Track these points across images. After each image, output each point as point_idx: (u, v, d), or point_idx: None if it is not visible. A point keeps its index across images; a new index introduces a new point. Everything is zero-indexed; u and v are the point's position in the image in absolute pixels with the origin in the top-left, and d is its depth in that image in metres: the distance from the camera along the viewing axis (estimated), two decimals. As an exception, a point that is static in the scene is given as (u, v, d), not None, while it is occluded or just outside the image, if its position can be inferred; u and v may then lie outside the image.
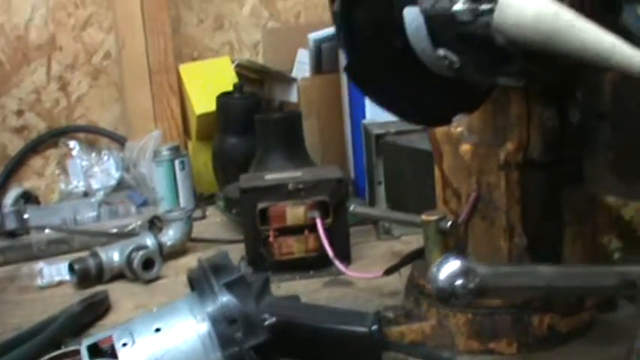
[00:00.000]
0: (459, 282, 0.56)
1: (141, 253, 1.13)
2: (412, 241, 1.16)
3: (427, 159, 0.94)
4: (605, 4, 0.55)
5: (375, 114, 1.32)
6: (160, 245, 1.19)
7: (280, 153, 1.33)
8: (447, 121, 0.75)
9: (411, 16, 0.61)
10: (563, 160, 0.79)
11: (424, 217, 0.85)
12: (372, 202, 1.26)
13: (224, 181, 1.45)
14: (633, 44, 0.60)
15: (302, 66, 1.61)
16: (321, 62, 1.54)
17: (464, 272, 0.56)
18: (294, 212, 1.09)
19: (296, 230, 1.09)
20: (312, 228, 1.09)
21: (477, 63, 0.60)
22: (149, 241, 1.18)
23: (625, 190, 0.69)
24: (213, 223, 1.42)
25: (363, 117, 1.35)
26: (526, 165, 0.80)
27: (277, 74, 1.58)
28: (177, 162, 1.44)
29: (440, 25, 0.60)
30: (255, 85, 1.66)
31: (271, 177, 1.15)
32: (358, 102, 1.39)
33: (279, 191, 1.10)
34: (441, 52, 0.61)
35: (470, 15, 0.57)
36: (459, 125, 0.86)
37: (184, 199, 1.45)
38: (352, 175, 1.46)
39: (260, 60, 1.74)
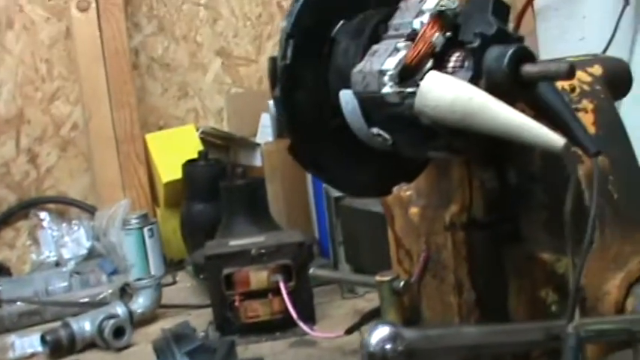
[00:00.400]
0: (388, 346, 0.61)
1: (112, 322, 1.17)
2: (375, 298, 1.21)
3: (381, 221, 1.00)
4: (521, 83, 0.61)
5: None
6: (131, 313, 1.22)
7: (245, 218, 1.38)
8: (387, 192, 0.81)
9: (346, 98, 0.67)
10: (504, 220, 0.84)
11: (378, 278, 0.90)
12: (336, 262, 1.31)
13: (192, 247, 1.49)
14: (551, 116, 0.67)
15: (266, 129, 1.67)
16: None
17: (392, 337, 0.61)
18: (258, 277, 1.14)
19: (261, 294, 1.14)
20: (277, 291, 1.13)
21: (407, 140, 0.66)
22: (119, 309, 1.21)
23: (557, 246, 0.75)
24: (184, 288, 1.46)
25: (325, 178, 1.41)
26: (470, 225, 0.85)
27: (241, 140, 1.64)
28: (146, 230, 1.50)
29: (372, 106, 0.66)
30: (221, 151, 1.72)
31: (235, 243, 1.20)
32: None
33: (243, 257, 1.15)
34: (375, 130, 0.67)
35: (397, 97, 0.63)
36: (408, 189, 0.91)
37: (154, 266, 1.50)
38: (317, 236, 1.50)
39: (225, 125, 1.81)
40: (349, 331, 1.00)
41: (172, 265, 1.57)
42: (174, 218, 1.59)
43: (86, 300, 1.34)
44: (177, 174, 1.57)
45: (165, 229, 1.58)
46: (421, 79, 0.62)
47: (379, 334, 0.62)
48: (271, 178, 1.54)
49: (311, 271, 1.05)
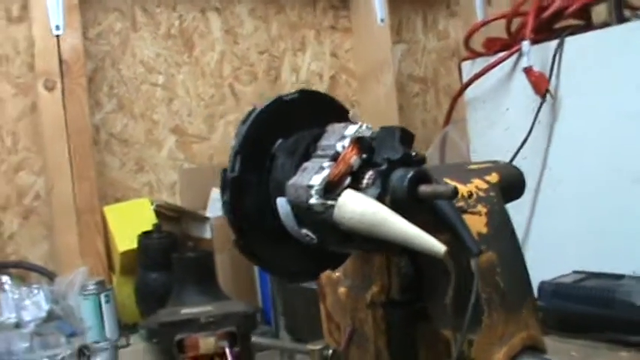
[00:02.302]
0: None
1: None
2: (310, 362, 1.39)
3: (316, 296, 1.18)
4: (418, 200, 0.81)
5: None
6: (87, 374, 1.38)
7: (195, 288, 1.54)
8: (316, 277, 0.99)
9: (282, 204, 0.85)
10: (416, 300, 1.03)
11: (310, 346, 1.08)
12: (277, 330, 1.48)
13: (146, 312, 1.66)
14: (446, 223, 0.86)
15: (216, 203, 1.84)
16: (232, 203, 1.78)
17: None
18: (206, 342, 1.30)
19: (208, 357, 1.30)
20: (222, 355, 1.29)
21: (329, 240, 0.84)
22: (76, 370, 1.37)
23: (456, 325, 0.93)
24: (137, 350, 1.60)
25: (269, 253, 1.59)
26: (388, 304, 1.03)
27: (193, 214, 1.81)
28: (102, 295, 1.65)
29: (301, 212, 0.83)
30: (173, 222, 1.88)
31: (186, 311, 1.36)
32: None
33: (193, 324, 1.31)
34: (304, 231, 0.85)
35: (321, 207, 0.81)
36: (337, 272, 1.10)
37: (109, 329, 1.64)
38: (261, 304, 1.68)
39: (177, 198, 1.98)
40: (285, 393, 1.18)
41: (126, 329, 1.72)
42: (129, 285, 1.75)
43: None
44: (132, 244, 1.73)
45: (120, 295, 1.74)
46: (339, 193, 0.81)
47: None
48: (220, 249, 1.71)
49: (254, 338, 1.23)
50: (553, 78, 1.61)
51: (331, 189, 0.82)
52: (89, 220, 1.80)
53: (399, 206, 0.79)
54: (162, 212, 1.84)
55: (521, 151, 1.66)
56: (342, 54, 2.27)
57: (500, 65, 1.71)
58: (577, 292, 1.43)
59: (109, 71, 1.96)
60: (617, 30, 1.53)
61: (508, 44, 1.72)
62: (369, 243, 0.80)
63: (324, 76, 2.25)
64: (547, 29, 1.66)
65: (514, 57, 1.68)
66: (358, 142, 0.84)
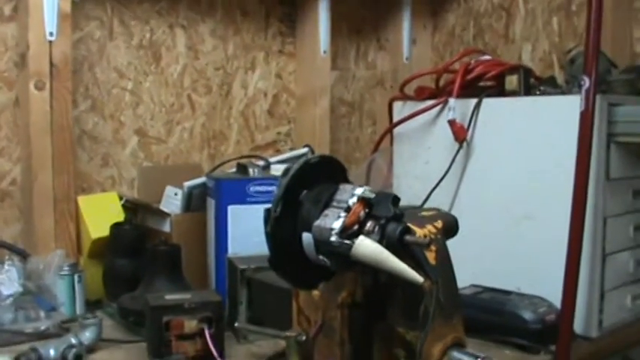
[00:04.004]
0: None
1: (73, 350, 1.68)
2: (263, 344, 1.80)
3: (281, 292, 1.61)
4: (404, 245, 1.26)
5: (235, 248, 1.99)
6: (82, 344, 1.74)
7: (164, 277, 1.90)
8: (316, 286, 1.43)
9: (306, 237, 1.28)
10: (375, 303, 1.47)
11: (287, 333, 1.50)
12: (233, 317, 1.90)
13: (113, 294, 2.03)
14: (417, 261, 1.32)
15: (169, 199, 2.20)
16: (191, 203, 2.18)
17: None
18: (189, 324, 1.66)
19: (190, 336, 1.67)
20: (201, 335, 1.68)
21: (338, 264, 1.28)
22: (74, 340, 1.72)
23: (407, 324, 1.38)
24: (105, 325, 1.98)
25: (226, 249, 2.01)
26: (353, 305, 1.47)
27: (156, 210, 2.19)
28: (76, 276, 1.99)
29: (321, 244, 1.25)
30: (131, 213, 2.25)
31: (170, 297, 1.74)
32: (222, 237, 2.04)
33: (178, 308, 1.70)
34: (321, 257, 1.28)
35: (338, 243, 1.24)
36: (312, 277, 1.54)
37: (79, 306, 1.99)
38: (214, 293, 2.07)
39: (135, 192, 2.35)
40: (260, 368, 1.61)
41: (89, 305, 2.09)
42: (94, 267, 2.09)
43: (31, 331, 1.83)
44: (103, 232, 2.08)
45: (85, 275, 2.11)
46: (352, 233, 1.25)
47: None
48: (177, 242, 2.11)
49: (236, 324, 1.65)
50: (470, 129, 2.09)
51: (345, 231, 1.27)
52: (64, 208, 2.11)
53: (391, 249, 1.25)
54: (128, 206, 2.22)
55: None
56: (285, 75, 2.68)
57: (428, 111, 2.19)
58: (474, 302, 1.87)
59: (86, 74, 2.28)
60: (522, 100, 2.03)
61: (435, 94, 2.20)
62: (366, 268, 1.26)
63: (268, 94, 2.66)
64: (469, 86, 2.15)
65: (440, 106, 2.16)
66: (364, 200, 1.29)
